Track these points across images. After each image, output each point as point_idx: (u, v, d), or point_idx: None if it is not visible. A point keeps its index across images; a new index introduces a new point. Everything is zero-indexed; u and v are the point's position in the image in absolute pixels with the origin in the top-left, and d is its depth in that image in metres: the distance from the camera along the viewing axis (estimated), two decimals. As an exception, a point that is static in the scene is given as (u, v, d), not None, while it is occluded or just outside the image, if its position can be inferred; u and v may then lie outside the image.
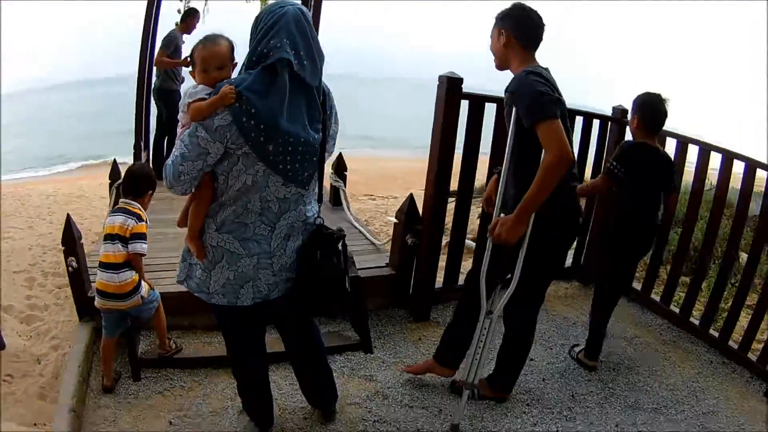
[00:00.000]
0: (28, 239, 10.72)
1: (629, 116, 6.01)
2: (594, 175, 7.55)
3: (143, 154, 11.89)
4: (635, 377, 6.06)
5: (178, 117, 3.88)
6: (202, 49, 3.78)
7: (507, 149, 4.59)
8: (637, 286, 7.66)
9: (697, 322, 6.93)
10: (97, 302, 5.35)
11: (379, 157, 25.45)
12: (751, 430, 5.38)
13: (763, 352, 6.26)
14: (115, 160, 9.96)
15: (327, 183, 9.30)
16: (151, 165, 11.24)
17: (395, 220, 7.00)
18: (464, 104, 6.21)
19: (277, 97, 3.53)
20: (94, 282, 5.64)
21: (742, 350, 6.47)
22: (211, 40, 3.79)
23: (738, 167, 6.36)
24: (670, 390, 5.89)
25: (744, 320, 6.67)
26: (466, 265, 6.99)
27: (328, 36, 12.22)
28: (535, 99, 4.22)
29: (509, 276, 4.82)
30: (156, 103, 11.63)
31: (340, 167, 9.53)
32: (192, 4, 11.79)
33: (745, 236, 7.00)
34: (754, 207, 6.56)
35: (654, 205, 6.01)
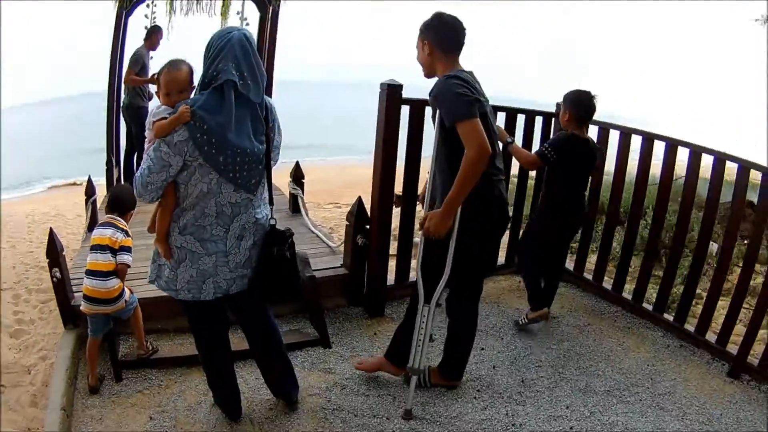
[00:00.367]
0: (11, 258, 11.08)
1: (561, 111, 6.70)
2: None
3: (115, 170, 12.43)
4: (587, 363, 6.43)
5: (145, 134, 4.48)
6: (166, 74, 4.41)
7: (433, 148, 5.12)
8: (588, 276, 8.14)
9: (650, 307, 7.32)
10: (84, 307, 5.87)
11: (343, 165, 25.88)
12: (714, 409, 5.71)
13: (722, 331, 6.58)
14: (89, 178, 10.38)
15: (287, 191, 10.12)
16: (122, 180, 11.94)
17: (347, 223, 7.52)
18: (405, 110, 6.76)
19: (225, 114, 4.17)
20: (79, 290, 6.22)
21: (699, 332, 6.79)
22: (174, 66, 4.44)
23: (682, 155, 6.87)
24: (623, 374, 6.22)
25: (699, 306, 7.09)
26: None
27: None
28: (454, 101, 4.73)
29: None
30: (125, 120, 12.12)
31: (297, 175, 10.03)
32: (157, 22, 12.32)
33: (693, 225, 7.53)
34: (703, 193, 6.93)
35: (581, 191, 6.85)
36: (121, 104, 12.09)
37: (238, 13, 12.87)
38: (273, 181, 4.80)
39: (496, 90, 5.82)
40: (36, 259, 10.95)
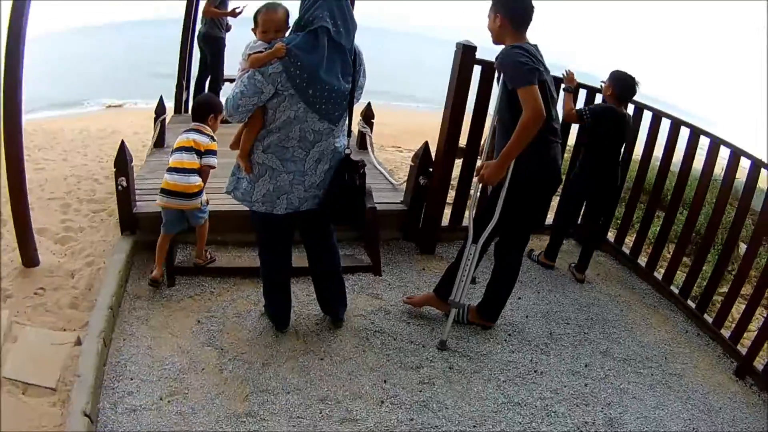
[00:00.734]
0: (62, 170, 11.48)
1: (605, 84, 7.33)
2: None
3: (184, 93, 13.20)
4: (611, 329, 6.86)
5: (239, 63, 5.09)
6: (264, 14, 4.98)
7: (495, 108, 5.74)
8: (626, 250, 8.52)
9: (677, 291, 7.64)
10: (160, 201, 6.45)
11: (405, 111, 26.34)
12: (715, 402, 5.98)
13: (735, 330, 6.78)
14: (161, 97, 10.91)
15: (355, 128, 10.46)
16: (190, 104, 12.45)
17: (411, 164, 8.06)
18: (477, 69, 7.30)
19: (318, 55, 4.73)
20: (141, 199, 7.32)
21: (716, 325, 7.03)
22: (272, 7, 5.01)
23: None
24: (642, 347, 6.60)
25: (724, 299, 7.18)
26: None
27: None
28: (516, 68, 5.27)
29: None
30: (200, 47, 12.69)
31: (368, 115, 10.60)
32: None
33: (724, 222, 7.72)
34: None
35: (612, 161, 7.46)
36: (197, 33, 12.71)
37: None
38: None
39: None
40: (89, 172, 11.37)
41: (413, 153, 8.14)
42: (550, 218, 8.77)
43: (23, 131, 6.76)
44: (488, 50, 6.21)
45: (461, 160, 7.82)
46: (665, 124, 7.75)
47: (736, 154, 6.80)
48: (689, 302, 7.50)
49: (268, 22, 4.98)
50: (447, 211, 8.20)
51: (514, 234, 6.07)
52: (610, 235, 8.89)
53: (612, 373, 6.09)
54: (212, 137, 6.62)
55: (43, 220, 8.37)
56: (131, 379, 5.26)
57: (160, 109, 10.64)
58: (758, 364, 6.46)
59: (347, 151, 5.39)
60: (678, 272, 7.79)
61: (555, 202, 8.28)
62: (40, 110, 19.23)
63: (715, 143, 7.02)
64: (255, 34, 5.08)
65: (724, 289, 7.42)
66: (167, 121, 10.91)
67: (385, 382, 5.51)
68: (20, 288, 6.60)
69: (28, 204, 7.03)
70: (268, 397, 5.17)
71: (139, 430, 4.72)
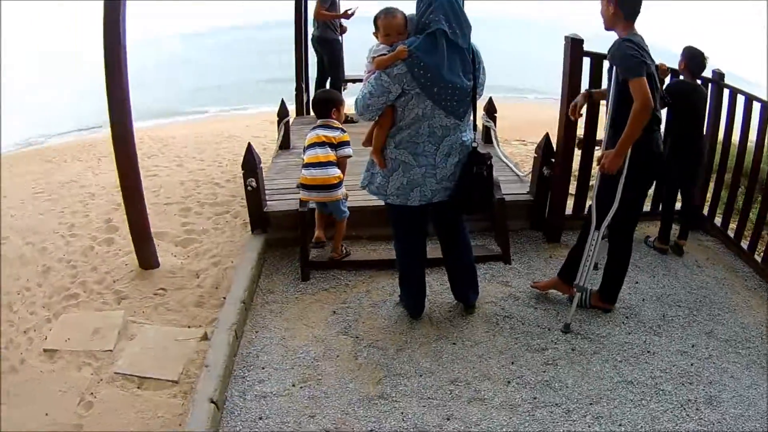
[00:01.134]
0: (177, 176, 12.08)
1: (679, 60, 7.82)
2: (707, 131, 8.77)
3: (304, 96, 13.70)
4: (717, 311, 7.08)
5: (365, 65, 5.69)
6: (383, 19, 5.53)
7: (609, 98, 6.11)
8: (731, 234, 8.70)
9: None
10: (303, 195, 7.20)
11: (526, 103, 26.12)
12: None
13: None
14: (282, 100, 11.40)
15: (480, 123, 10.94)
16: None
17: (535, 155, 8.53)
18: (587, 61, 7.71)
19: (439, 55, 5.25)
20: (271, 198, 7.99)
21: None
22: (390, 13, 5.55)
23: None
24: (742, 327, 6.76)
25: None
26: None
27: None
28: (627, 60, 5.70)
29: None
30: (316, 50, 13.13)
31: (490, 109, 11.02)
32: None
33: None
34: None
35: (698, 132, 8.06)
36: (311, 36, 13.14)
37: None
38: None
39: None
40: (208, 176, 11.98)
41: (536, 145, 8.53)
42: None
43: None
44: (600, 38, 6.63)
45: (579, 151, 8.23)
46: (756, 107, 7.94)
47: None
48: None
49: (389, 26, 5.51)
50: (570, 201, 8.63)
51: (625, 218, 6.43)
52: (717, 220, 9.07)
53: (715, 353, 6.30)
54: (342, 129, 7.20)
55: (161, 224, 8.87)
56: (263, 368, 5.75)
57: (283, 112, 11.13)
58: None
59: (474, 145, 5.84)
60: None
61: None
62: (143, 119, 19.75)
63: None
64: (376, 37, 5.62)
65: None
66: (290, 123, 11.34)
67: (512, 363, 5.92)
68: (137, 289, 7.12)
69: (145, 205, 7.53)
70: (400, 380, 5.62)
71: (268, 414, 5.16)
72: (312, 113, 9.32)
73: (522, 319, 6.65)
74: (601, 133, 6.66)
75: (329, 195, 7.04)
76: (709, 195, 9.16)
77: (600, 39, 6.56)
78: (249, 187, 7.70)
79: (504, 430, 5.09)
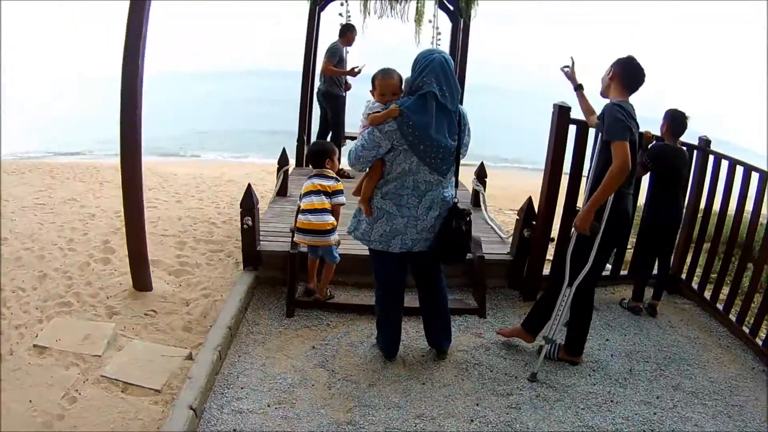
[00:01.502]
0: (176, 211, 12.47)
1: (661, 123, 8.27)
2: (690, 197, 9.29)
3: (305, 148, 14.16)
4: (686, 366, 7.44)
5: (360, 121, 6.23)
6: (381, 80, 6.11)
7: (594, 159, 6.57)
8: (707, 295, 9.11)
9: (747, 330, 8.15)
10: (298, 238, 7.60)
11: (521, 173, 27.19)
12: None
13: None
14: (284, 149, 11.89)
15: (470, 186, 11.71)
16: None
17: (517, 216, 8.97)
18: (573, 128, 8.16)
19: (428, 115, 5.79)
20: (265, 239, 8.46)
21: None
22: (387, 74, 6.14)
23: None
24: (710, 381, 7.13)
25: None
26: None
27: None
28: (613, 124, 6.17)
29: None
30: (320, 104, 13.59)
31: (481, 174, 11.51)
32: (351, 20, 13.73)
33: None
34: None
35: (675, 195, 8.43)
36: (316, 90, 13.63)
37: (430, 21, 14.27)
38: (460, 180, 6.46)
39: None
40: (205, 215, 12.40)
41: (519, 208, 8.97)
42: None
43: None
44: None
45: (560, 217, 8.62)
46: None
47: None
48: (757, 340, 7.98)
49: (385, 86, 6.07)
50: (547, 264, 9.05)
51: (591, 275, 6.81)
52: (694, 284, 9.50)
53: (680, 404, 6.66)
54: (336, 179, 7.69)
55: (157, 252, 9.17)
56: (241, 388, 6.09)
57: (283, 160, 11.66)
58: None
59: (455, 200, 6.31)
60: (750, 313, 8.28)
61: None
62: (147, 153, 20.23)
63: None
64: (373, 95, 6.17)
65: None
66: (290, 171, 11.85)
67: (477, 404, 6.24)
68: (129, 307, 7.47)
69: (144, 228, 7.89)
70: (369, 411, 5.93)
71: (242, 428, 5.51)
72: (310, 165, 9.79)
73: (491, 366, 7.02)
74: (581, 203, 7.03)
75: (323, 239, 7.51)
76: (688, 259, 9.61)
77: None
78: (245, 225, 8.17)
79: (466, 465, 5.40)
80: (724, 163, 8.77)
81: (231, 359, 6.61)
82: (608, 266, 9.37)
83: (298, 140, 14.52)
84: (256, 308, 7.80)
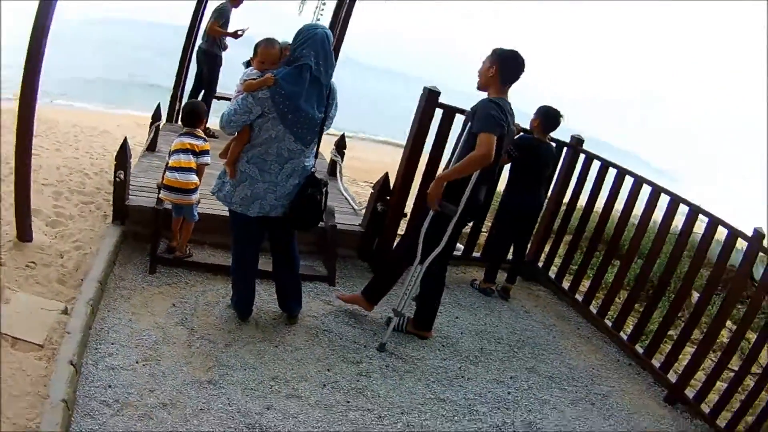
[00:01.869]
0: (54, 159, 12.29)
1: (532, 118, 8.73)
2: (554, 190, 9.85)
3: (177, 103, 14.17)
4: (541, 351, 7.85)
5: (236, 86, 6.40)
6: (263, 48, 6.37)
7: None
8: (565, 285, 9.65)
9: (610, 324, 8.61)
10: (164, 195, 7.74)
11: (380, 147, 27.73)
12: (641, 420, 6.95)
13: (666, 360, 7.73)
14: (158, 105, 11.98)
15: (328, 156, 11.96)
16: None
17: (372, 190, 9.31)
18: (439, 112, 8.49)
19: (300, 86, 6.04)
20: (133, 193, 8.43)
21: (647, 354, 7.99)
22: (270, 44, 6.39)
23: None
24: (569, 368, 7.61)
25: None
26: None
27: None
28: (485, 118, 6.52)
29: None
30: (198, 62, 13.61)
31: (340, 145, 11.78)
32: None
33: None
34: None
35: (537, 185, 8.91)
36: (197, 48, 13.67)
37: (316, -6, 14.17)
38: (319, 150, 6.73)
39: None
40: (80, 165, 12.25)
41: (375, 182, 9.25)
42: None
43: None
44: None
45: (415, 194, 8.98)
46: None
47: (694, 211, 7.80)
48: (621, 334, 8.45)
49: (265, 55, 6.32)
50: (397, 239, 9.20)
51: (444, 254, 7.17)
52: (551, 273, 10.07)
53: (535, 386, 7.08)
54: (204, 139, 7.90)
55: (37, 202, 8.99)
56: (112, 344, 6.21)
57: (156, 116, 11.77)
58: (690, 392, 7.42)
59: (312, 170, 6.63)
60: (612, 307, 8.83)
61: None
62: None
63: (674, 200, 8.01)
64: (252, 62, 6.42)
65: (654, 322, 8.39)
66: (161, 127, 11.95)
67: (328, 370, 6.56)
68: (13, 259, 7.44)
69: (30, 182, 7.89)
70: (227, 371, 6.17)
71: (116, 385, 5.66)
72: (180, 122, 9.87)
73: (340, 334, 7.33)
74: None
75: (186, 198, 7.73)
76: (546, 248, 10.15)
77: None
78: (117, 179, 8.26)
79: (319, 425, 5.73)
80: (596, 164, 9.34)
81: (101, 314, 6.72)
82: (460, 246, 9.77)
83: (171, 96, 14.51)
84: (122, 263, 7.91)
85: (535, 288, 9.89)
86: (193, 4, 13.94)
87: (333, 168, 11.91)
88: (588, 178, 9.56)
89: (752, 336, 8.14)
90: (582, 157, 9.51)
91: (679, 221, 8.18)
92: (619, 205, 8.95)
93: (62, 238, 8.46)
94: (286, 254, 7.09)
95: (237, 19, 13.57)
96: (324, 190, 6.67)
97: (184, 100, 14.08)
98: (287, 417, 5.74)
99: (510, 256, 9.48)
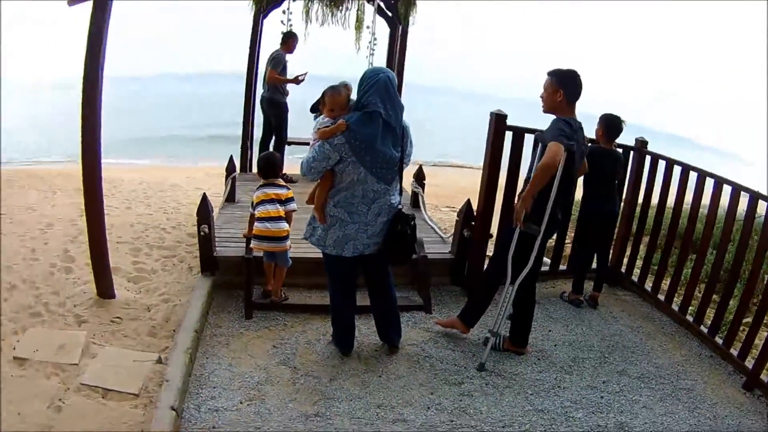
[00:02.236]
0: (127, 217, 12.75)
1: (596, 127, 8.87)
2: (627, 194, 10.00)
3: (249, 153, 14.75)
4: (629, 354, 8.00)
5: (311, 135, 6.77)
6: (330, 96, 6.63)
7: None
8: (648, 286, 9.75)
9: (691, 319, 8.72)
10: (255, 245, 8.13)
11: (460, 172, 27.43)
12: (722, 410, 6.98)
13: (743, 348, 7.75)
14: (231, 157, 12.36)
15: (409, 189, 12.16)
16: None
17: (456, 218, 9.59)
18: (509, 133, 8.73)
19: (373, 129, 6.33)
20: (220, 244, 8.84)
21: (725, 344, 8.05)
22: (336, 91, 6.65)
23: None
24: (656, 367, 7.75)
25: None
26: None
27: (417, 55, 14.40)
28: (556, 131, 6.77)
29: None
30: (264, 111, 13.92)
31: (419, 177, 12.23)
32: (293, 28, 14.01)
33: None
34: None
35: (610, 193, 9.06)
36: (260, 97, 13.98)
37: (368, 27, 14.57)
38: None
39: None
40: (155, 221, 12.71)
41: (458, 209, 9.46)
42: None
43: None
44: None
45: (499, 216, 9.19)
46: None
47: (755, 198, 7.82)
48: (702, 327, 8.53)
49: (333, 102, 6.59)
50: (486, 261, 9.27)
51: (532, 274, 7.38)
52: (634, 276, 10.14)
53: (626, 388, 7.22)
54: (287, 187, 8.29)
55: (115, 260, 9.28)
56: (213, 388, 6.51)
57: (231, 167, 12.12)
58: (765, 377, 7.40)
59: (400, 207, 6.89)
60: (693, 302, 8.91)
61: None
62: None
63: (736, 189, 8.08)
64: (322, 110, 6.72)
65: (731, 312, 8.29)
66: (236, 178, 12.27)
67: (431, 393, 6.76)
68: (96, 315, 7.79)
69: (106, 238, 8.25)
70: (333, 403, 6.43)
71: (221, 425, 5.93)
72: (254, 171, 10.43)
73: (441, 358, 7.54)
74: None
75: (280, 245, 8.08)
76: (627, 252, 10.26)
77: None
78: (202, 233, 8.57)
79: (426, 446, 6.01)
80: (662, 163, 9.48)
81: (200, 361, 6.99)
82: (547, 261, 9.94)
83: (241, 146, 14.96)
84: (216, 312, 8.17)
85: (621, 293, 10.03)
86: (245, 52, 14.37)
87: (416, 200, 12.31)
88: (656, 179, 9.64)
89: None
90: (648, 158, 9.66)
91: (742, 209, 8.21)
92: (689, 198, 9.03)
93: (147, 292, 8.79)
94: (383, 288, 7.37)
95: (293, 63, 13.83)
96: (413, 223, 6.92)
97: (255, 149, 14.57)
98: (396, 441, 6.01)
99: (594, 265, 9.62)
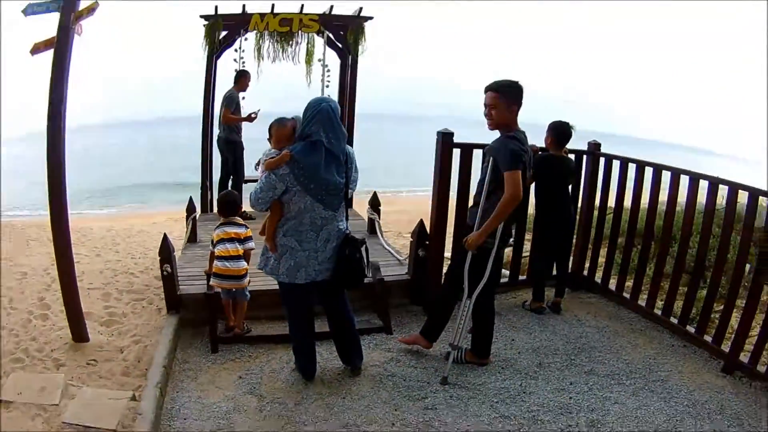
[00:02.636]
0: (97, 264, 13.02)
1: (545, 136, 9.07)
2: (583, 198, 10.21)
3: (208, 193, 14.90)
4: (597, 354, 8.17)
5: (257, 166, 7.24)
6: (276, 129, 7.09)
7: (484, 184, 7.29)
8: (612, 286, 9.98)
9: (660, 312, 8.90)
10: (215, 282, 8.33)
11: (420, 196, 27.29)
12: (700, 396, 7.17)
13: (717, 333, 7.97)
14: (191, 198, 12.53)
15: (366, 215, 12.48)
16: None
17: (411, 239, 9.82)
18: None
19: (317, 157, 6.55)
20: (183, 282, 8.99)
21: (698, 332, 8.28)
22: (282, 123, 7.08)
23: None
24: (626, 364, 7.94)
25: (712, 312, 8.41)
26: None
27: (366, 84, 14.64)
28: (509, 156, 6.92)
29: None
30: (222, 151, 14.22)
31: (374, 203, 12.53)
32: (246, 66, 14.35)
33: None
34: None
35: (563, 200, 9.20)
36: (216, 137, 14.34)
37: (319, 60, 14.84)
38: (354, 208, 7.34)
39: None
40: (124, 266, 12.99)
41: (411, 231, 9.74)
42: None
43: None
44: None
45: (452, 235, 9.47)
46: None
47: (733, 189, 7.84)
48: (671, 319, 8.75)
49: (279, 134, 7.03)
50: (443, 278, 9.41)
51: (489, 285, 7.55)
52: (597, 278, 10.37)
53: (596, 387, 7.40)
54: (245, 226, 8.54)
55: (87, 306, 9.55)
56: (185, 419, 6.73)
57: (191, 208, 12.32)
58: (744, 357, 7.65)
59: (346, 231, 7.11)
60: (660, 294, 9.16)
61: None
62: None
63: (713, 183, 8.12)
64: (270, 142, 7.17)
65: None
66: (197, 218, 12.55)
67: (395, 410, 6.92)
68: (73, 359, 7.98)
69: (77, 286, 8.43)
70: (299, 427, 6.60)
71: (193, 454, 6.16)
72: (215, 211, 10.74)
73: (403, 376, 7.70)
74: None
75: (238, 283, 8.34)
76: (588, 255, 10.50)
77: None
78: (165, 272, 8.81)
79: (390, 461, 6.20)
80: (616, 163, 9.73)
81: (171, 395, 7.22)
82: (506, 272, 10.30)
83: (201, 187, 15.09)
84: (184, 348, 8.39)
85: (585, 296, 10.22)
86: (200, 96, 14.58)
87: (372, 226, 12.54)
88: (612, 178, 9.90)
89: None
90: (602, 160, 9.88)
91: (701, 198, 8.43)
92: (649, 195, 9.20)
93: (120, 335, 8.99)
94: (340, 313, 7.55)
95: (248, 100, 14.18)
96: (363, 248, 7.13)
97: (215, 189, 14.75)
98: (360, 459, 6.18)
99: (555, 272, 9.80)
